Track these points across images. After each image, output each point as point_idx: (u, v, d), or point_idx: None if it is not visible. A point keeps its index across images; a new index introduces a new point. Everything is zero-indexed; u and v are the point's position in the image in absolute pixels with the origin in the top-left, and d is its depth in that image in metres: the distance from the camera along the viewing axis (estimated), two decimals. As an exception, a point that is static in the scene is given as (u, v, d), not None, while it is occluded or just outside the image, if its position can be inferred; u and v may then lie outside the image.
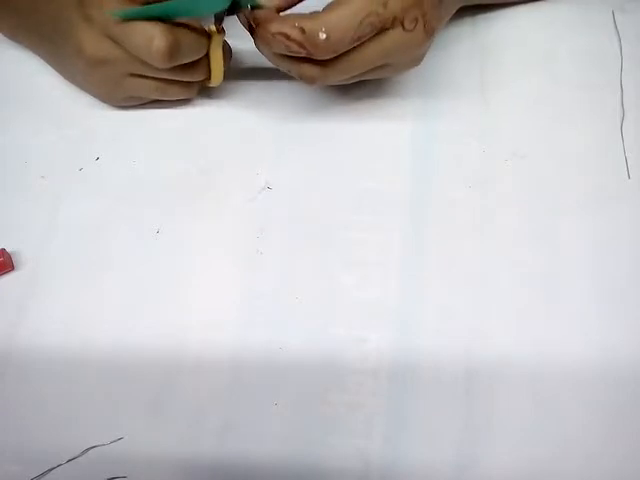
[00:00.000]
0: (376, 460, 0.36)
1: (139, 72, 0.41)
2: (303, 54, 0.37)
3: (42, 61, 0.48)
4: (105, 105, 0.46)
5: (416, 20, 0.37)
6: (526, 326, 0.39)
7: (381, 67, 0.39)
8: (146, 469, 0.36)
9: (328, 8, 0.37)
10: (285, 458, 0.36)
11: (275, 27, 0.36)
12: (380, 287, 0.40)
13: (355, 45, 0.37)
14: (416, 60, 0.41)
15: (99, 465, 0.36)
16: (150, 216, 0.42)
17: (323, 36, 0.35)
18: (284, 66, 0.39)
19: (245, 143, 0.45)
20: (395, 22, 0.37)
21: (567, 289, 0.39)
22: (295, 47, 0.36)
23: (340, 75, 0.39)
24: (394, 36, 0.37)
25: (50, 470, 0.36)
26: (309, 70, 0.38)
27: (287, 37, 0.36)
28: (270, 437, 0.37)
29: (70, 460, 0.36)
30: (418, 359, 0.38)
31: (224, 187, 0.43)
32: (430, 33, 0.38)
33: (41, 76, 0.48)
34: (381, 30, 0.37)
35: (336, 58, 0.37)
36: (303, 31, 0.36)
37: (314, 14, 0.37)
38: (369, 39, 0.37)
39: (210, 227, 0.42)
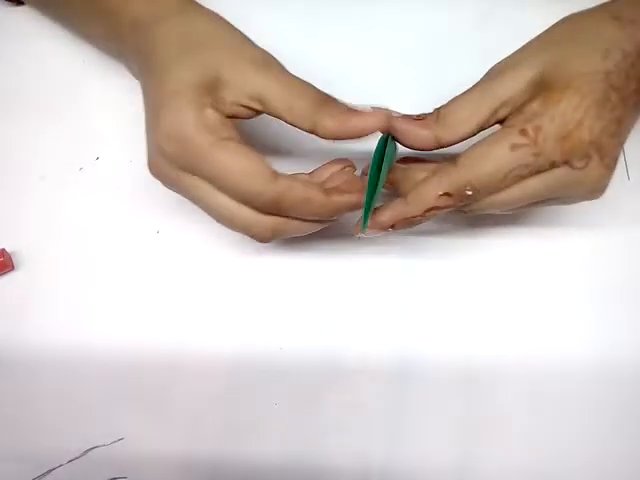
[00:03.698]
0: (376, 460, 0.36)
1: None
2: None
3: (42, 61, 0.48)
4: (105, 105, 0.46)
5: (588, 157, 0.32)
6: (526, 326, 0.39)
7: (550, 200, 0.35)
8: (146, 469, 0.36)
9: (469, 159, 0.33)
10: (285, 458, 0.36)
11: (421, 206, 0.33)
12: (380, 286, 0.40)
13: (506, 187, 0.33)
14: (596, 192, 0.35)
15: (100, 465, 0.36)
16: (150, 216, 0.42)
17: (469, 192, 0.33)
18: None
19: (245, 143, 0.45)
20: (556, 164, 0.32)
21: (567, 289, 0.40)
22: (444, 212, 0.34)
23: (496, 208, 0.35)
24: (559, 175, 0.33)
25: (51, 470, 0.36)
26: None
27: (437, 209, 0.33)
28: (270, 437, 0.37)
29: (71, 460, 0.36)
30: (418, 359, 0.38)
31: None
32: (610, 166, 0.34)
33: (41, 76, 0.48)
34: (538, 172, 0.33)
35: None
36: (449, 195, 0.33)
37: (453, 165, 0.33)
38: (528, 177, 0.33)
39: (210, 227, 0.42)
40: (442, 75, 0.46)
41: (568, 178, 0.33)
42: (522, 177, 0.33)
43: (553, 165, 0.32)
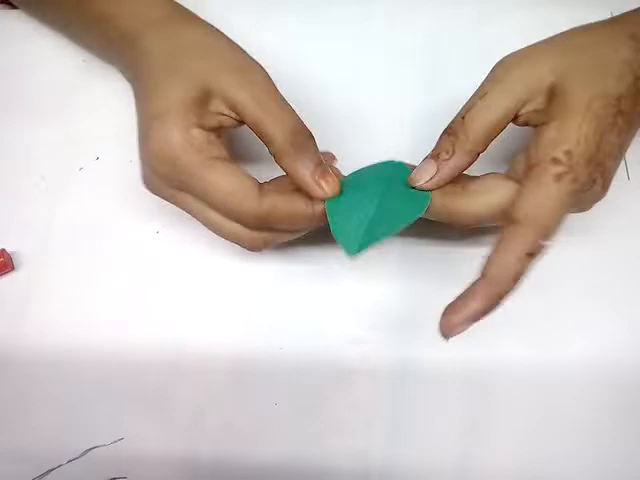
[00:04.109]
0: (376, 460, 0.36)
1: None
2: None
3: (42, 61, 0.48)
4: (105, 105, 0.46)
5: (594, 181, 0.33)
6: (526, 326, 0.39)
7: None
8: (146, 469, 0.36)
9: (529, 215, 0.32)
10: (285, 458, 0.36)
11: (507, 276, 0.32)
12: (380, 287, 0.40)
13: None
14: (586, 209, 0.36)
15: (99, 465, 0.36)
16: (150, 216, 0.42)
17: (548, 242, 0.32)
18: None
19: (245, 143, 0.45)
20: (585, 186, 0.32)
21: (567, 288, 0.40)
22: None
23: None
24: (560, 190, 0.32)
25: (51, 470, 0.36)
26: None
27: (522, 273, 0.32)
28: (270, 437, 0.37)
29: (71, 460, 0.36)
30: (418, 359, 0.38)
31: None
32: (606, 187, 0.34)
33: (42, 76, 0.48)
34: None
35: None
36: (531, 255, 0.32)
37: (517, 225, 0.32)
38: None
39: (210, 227, 0.42)
40: (442, 75, 0.46)
41: (571, 195, 0.32)
42: (571, 205, 0.32)
43: (584, 186, 0.32)
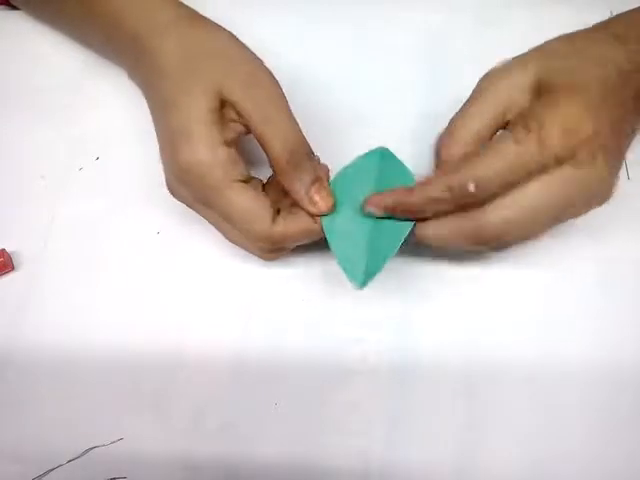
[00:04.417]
0: (376, 460, 0.36)
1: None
2: (451, 208, 0.34)
3: (42, 61, 0.48)
4: (105, 105, 0.46)
5: (594, 156, 0.32)
6: (526, 326, 0.39)
7: (561, 212, 0.34)
8: (146, 469, 0.36)
9: (476, 156, 0.33)
10: (285, 458, 0.36)
11: (422, 196, 0.34)
12: (380, 287, 0.40)
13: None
14: (601, 195, 0.35)
15: (99, 465, 0.36)
16: (150, 216, 0.42)
17: (472, 188, 0.32)
18: (449, 241, 0.35)
19: (245, 143, 0.45)
20: (560, 159, 0.32)
21: (566, 289, 0.40)
22: (444, 206, 0.34)
23: (512, 233, 0.34)
24: (566, 175, 0.32)
25: (50, 470, 0.36)
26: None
27: (438, 202, 0.33)
28: (270, 437, 0.37)
29: (70, 460, 0.36)
30: (418, 359, 0.38)
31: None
32: (613, 170, 0.34)
33: (41, 76, 0.48)
34: (544, 169, 0.32)
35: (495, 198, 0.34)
36: (451, 189, 0.33)
37: (461, 165, 0.33)
38: (532, 179, 0.33)
39: (210, 227, 0.42)
40: (442, 75, 0.46)
41: (574, 178, 0.33)
42: (528, 173, 0.32)
43: (558, 161, 0.32)
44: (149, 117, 0.46)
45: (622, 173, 0.43)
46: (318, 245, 0.41)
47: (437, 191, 0.33)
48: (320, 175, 0.36)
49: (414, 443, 0.36)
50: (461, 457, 0.36)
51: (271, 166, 0.36)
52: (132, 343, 0.39)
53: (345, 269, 0.35)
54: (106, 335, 0.39)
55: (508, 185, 0.33)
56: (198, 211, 0.38)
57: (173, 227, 0.42)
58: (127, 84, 0.46)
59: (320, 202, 0.35)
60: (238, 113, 0.35)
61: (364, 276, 0.35)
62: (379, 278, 0.40)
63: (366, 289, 0.40)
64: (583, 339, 0.38)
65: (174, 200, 0.43)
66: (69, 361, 0.39)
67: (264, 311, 0.40)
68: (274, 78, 0.36)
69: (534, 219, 0.33)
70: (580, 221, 0.41)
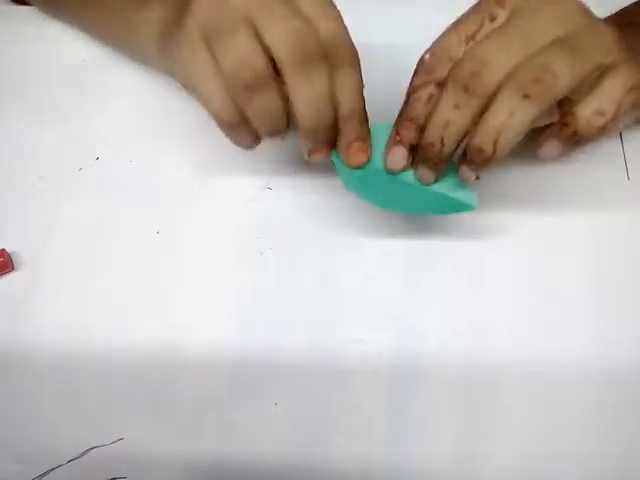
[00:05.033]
0: (376, 460, 0.36)
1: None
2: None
3: (42, 61, 0.48)
4: (105, 105, 0.46)
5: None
6: (526, 326, 0.39)
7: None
8: (146, 469, 0.36)
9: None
10: (285, 458, 0.36)
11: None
12: (380, 287, 0.40)
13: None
14: (608, 46, 0.32)
15: (99, 465, 0.36)
16: (150, 216, 0.42)
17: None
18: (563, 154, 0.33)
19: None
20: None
21: (566, 289, 0.40)
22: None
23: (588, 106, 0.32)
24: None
25: (50, 470, 0.36)
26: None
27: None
28: (270, 437, 0.37)
29: (70, 460, 0.36)
30: (418, 360, 0.38)
31: (224, 187, 0.43)
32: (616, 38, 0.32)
33: (41, 76, 0.48)
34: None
35: None
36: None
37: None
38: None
39: (210, 227, 0.42)
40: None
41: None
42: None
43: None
44: (149, 117, 0.46)
45: (622, 173, 0.43)
46: (318, 245, 0.41)
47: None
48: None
49: (414, 443, 0.36)
50: (461, 457, 0.36)
51: None
52: (132, 342, 0.39)
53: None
54: (106, 334, 0.39)
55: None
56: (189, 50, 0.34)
57: (173, 227, 0.42)
58: (127, 84, 0.47)
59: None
60: None
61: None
62: (380, 278, 0.40)
63: (367, 289, 0.40)
64: (583, 339, 0.38)
65: (174, 200, 0.43)
66: (69, 361, 0.39)
67: (264, 311, 0.40)
68: None
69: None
70: (580, 221, 0.41)
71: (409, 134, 0.34)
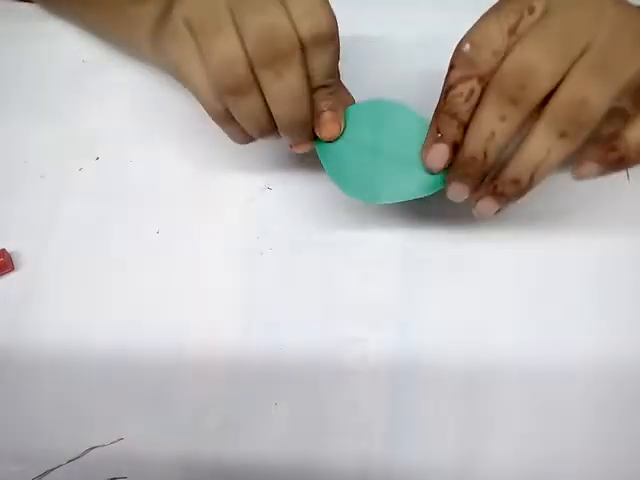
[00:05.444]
0: (376, 460, 0.36)
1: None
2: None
3: (42, 61, 0.48)
4: (105, 105, 0.46)
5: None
6: (526, 325, 0.39)
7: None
8: (146, 469, 0.36)
9: None
10: (285, 458, 0.36)
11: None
12: (380, 287, 0.40)
13: None
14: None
15: (99, 465, 0.36)
16: (150, 216, 0.43)
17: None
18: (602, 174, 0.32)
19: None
20: None
21: (567, 289, 0.40)
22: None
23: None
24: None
25: (50, 470, 0.36)
26: None
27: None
28: (270, 437, 0.37)
29: (70, 460, 0.36)
30: (418, 359, 0.38)
31: (224, 187, 0.43)
32: None
33: (41, 76, 0.48)
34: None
35: None
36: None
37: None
38: None
39: (210, 227, 0.42)
40: (442, 75, 0.46)
41: None
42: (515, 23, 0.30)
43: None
44: (149, 117, 0.46)
45: (622, 173, 0.43)
46: (318, 245, 0.41)
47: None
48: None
49: (414, 443, 0.36)
50: (461, 457, 0.36)
51: None
52: (132, 342, 0.39)
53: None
54: (106, 335, 0.39)
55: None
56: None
57: (173, 227, 0.42)
58: (128, 85, 0.47)
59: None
60: None
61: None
62: (379, 277, 0.40)
63: (366, 289, 0.40)
64: (583, 338, 0.38)
65: (174, 200, 0.43)
66: (69, 361, 0.39)
67: (264, 311, 0.40)
68: None
69: None
70: (580, 221, 0.41)
71: (451, 130, 0.32)
